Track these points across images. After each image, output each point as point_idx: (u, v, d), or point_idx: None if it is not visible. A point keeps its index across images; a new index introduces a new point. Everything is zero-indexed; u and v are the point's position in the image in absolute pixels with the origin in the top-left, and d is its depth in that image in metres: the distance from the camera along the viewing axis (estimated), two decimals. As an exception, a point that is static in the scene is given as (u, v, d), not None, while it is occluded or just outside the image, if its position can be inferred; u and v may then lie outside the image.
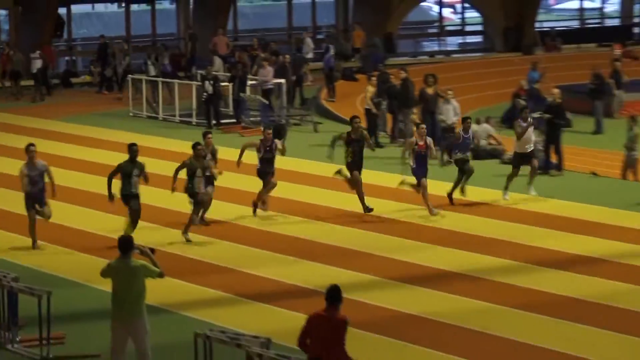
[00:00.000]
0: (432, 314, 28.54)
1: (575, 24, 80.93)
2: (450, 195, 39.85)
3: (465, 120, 41.67)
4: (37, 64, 63.45)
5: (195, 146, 35.90)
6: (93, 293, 24.41)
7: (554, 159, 45.10)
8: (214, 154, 38.51)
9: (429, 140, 38.54)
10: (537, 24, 76.99)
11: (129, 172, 33.44)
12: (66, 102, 63.80)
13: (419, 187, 38.44)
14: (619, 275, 31.65)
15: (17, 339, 26.25)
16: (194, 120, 57.08)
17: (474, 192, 39.81)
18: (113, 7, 73.45)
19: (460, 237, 35.12)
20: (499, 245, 34.71)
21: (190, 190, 35.09)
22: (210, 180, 37.15)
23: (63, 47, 71.63)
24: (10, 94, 64.43)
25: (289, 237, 36.23)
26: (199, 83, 57.73)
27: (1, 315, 26.55)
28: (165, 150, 50.96)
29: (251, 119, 56.15)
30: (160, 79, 61.12)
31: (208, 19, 69.88)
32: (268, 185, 38.31)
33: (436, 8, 79.48)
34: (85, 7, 72.81)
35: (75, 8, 71.71)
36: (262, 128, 43.01)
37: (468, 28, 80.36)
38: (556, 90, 50.61)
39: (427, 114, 48.74)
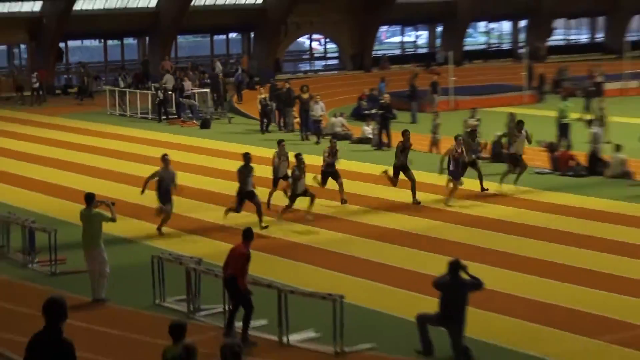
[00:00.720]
0: (314, 243, 28.86)
1: (398, 51, 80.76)
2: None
3: (472, 132, 37.12)
4: (34, 80, 62.64)
5: (297, 156, 30.85)
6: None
7: (385, 140, 45.16)
8: (287, 157, 32.93)
9: (463, 148, 33.58)
10: (373, 52, 76.74)
11: (246, 174, 29.73)
12: (64, 105, 62.65)
13: (457, 183, 33.30)
14: (436, 216, 32.01)
15: (35, 261, 26.55)
16: (149, 116, 56.28)
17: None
18: (95, 42, 72.63)
19: (333, 193, 34.82)
20: (358, 198, 34.49)
21: (294, 190, 30.74)
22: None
23: (63, 68, 70.53)
24: (17, 100, 63.36)
25: (206, 191, 36.08)
26: (153, 92, 57.17)
27: (25, 245, 26.96)
28: (130, 135, 50.23)
29: (188, 115, 55.80)
30: (127, 89, 60.92)
31: (158, 50, 69.28)
32: (339, 181, 33.30)
33: (307, 42, 79.01)
34: (77, 42, 72.04)
35: (71, 42, 70.97)
36: (329, 139, 37.00)
37: (329, 54, 79.90)
38: (386, 95, 51.02)
39: (302, 112, 48.69)
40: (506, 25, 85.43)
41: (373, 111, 50.11)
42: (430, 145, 43.98)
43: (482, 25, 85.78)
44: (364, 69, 73.71)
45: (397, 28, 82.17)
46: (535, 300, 23.06)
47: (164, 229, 29.48)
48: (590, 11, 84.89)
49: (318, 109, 47.85)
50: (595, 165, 38.21)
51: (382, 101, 49.16)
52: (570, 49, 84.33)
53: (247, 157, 30.14)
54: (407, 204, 33.49)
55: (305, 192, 30.65)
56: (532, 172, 38.58)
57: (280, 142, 33.52)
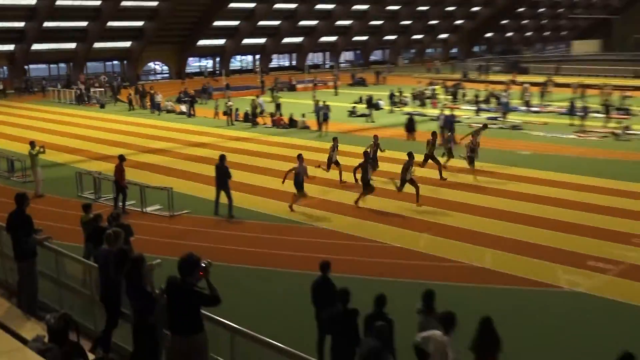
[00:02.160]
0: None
1: (197, 69, 78.35)
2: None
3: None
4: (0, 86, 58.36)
5: (409, 154, 20.50)
6: (40, 162, 22.90)
7: (192, 112, 43.92)
8: (337, 148, 23.72)
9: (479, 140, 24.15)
10: (186, 70, 74.76)
11: (366, 167, 20.10)
12: (23, 98, 58.48)
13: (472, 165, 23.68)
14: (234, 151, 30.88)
15: (14, 176, 24.88)
16: (74, 102, 52.87)
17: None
18: (44, 66, 67.33)
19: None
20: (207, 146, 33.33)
21: (404, 177, 20.11)
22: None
23: (25, 79, 65.35)
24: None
25: (100, 138, 34.37)
26: (75, 90, 54.13)
27: (8, 167, 25.48)
28: (62, 112, 47.00)
29: (93, 102, 53.05)
30: (61, 88, 57.33)
31: (77, 69, 65.82)
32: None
33: (153, 64, 75.95)
34: (34, 65, 66.50)
35: (31, 66, 65.56)
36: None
37: (164, 71, 76.86)
38: (192, 90, 49.67)
39: (151, 99, 46.96)
40: (250, 57, 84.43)
41: (186, 99, 48.84)
42: (214, 115, 43.14)
43: (239, 57, 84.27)
44: (181, 79, 71.65)
45: (197, 58, 79.76)
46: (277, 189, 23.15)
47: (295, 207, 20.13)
48: (293, 50, 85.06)
49: (159, 98, 46.58)
50: (293, 123, 38.52)
51: (190, 93, 48.21)
52: (281, 68, 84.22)
53: (366, 154, 21.07)
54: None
55: (412, 181, 20.34)
56: (262, 127, 38.56)
57: (335, 139, 24.13)
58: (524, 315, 12.49)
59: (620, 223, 17.85)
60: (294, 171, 19.96)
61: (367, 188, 20.21)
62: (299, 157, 20.22)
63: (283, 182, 20.43)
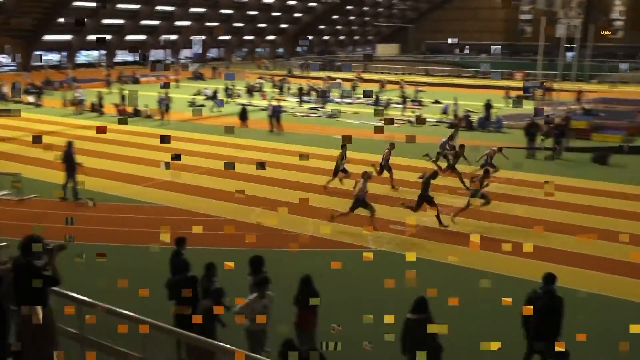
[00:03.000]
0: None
1: (44, 63, 72.33)
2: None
3: (453, 134, 23.23)
4: None
5: (486, 170, 17.32)
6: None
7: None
8: (345, 155, 19.96)
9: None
10: (32, 64, 68.79)
11: (427, 183, 16.01)
12: None
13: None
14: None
15: None
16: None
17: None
18: None
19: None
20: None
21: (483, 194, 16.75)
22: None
23: None
24: None
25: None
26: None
27: None
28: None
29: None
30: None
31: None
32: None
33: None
34: None
35: None
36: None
37: (11, 64, 70.28)
38: (39, 82, 45.74)
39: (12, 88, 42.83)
40: (95, 53, 79.01)
41: (34, 90, 44.61)
42: (62, 105, 40.08)
43: (85, 52, 78.27)
44: (27, 71, 65.71)
45: (47, 51, 73.09)
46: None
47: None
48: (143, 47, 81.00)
49: (5, 89, 42.35)
50: (137, 112, 36.69)
51: (37, 84, 44.43)
52: (126, 63, 79.18)
53: (435, 173, 16.92)
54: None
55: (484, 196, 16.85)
56: (108, 116, 36.56)
57: (343, 146, 19.96)
58: (341, 272, 12.90)
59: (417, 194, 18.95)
60: (357, 189, 16.20)
61: (431, 202, 16.36)
62: (366, 174, 16.30)
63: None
